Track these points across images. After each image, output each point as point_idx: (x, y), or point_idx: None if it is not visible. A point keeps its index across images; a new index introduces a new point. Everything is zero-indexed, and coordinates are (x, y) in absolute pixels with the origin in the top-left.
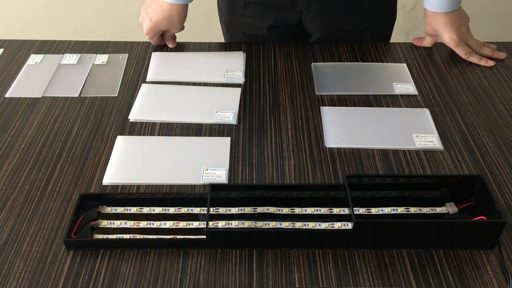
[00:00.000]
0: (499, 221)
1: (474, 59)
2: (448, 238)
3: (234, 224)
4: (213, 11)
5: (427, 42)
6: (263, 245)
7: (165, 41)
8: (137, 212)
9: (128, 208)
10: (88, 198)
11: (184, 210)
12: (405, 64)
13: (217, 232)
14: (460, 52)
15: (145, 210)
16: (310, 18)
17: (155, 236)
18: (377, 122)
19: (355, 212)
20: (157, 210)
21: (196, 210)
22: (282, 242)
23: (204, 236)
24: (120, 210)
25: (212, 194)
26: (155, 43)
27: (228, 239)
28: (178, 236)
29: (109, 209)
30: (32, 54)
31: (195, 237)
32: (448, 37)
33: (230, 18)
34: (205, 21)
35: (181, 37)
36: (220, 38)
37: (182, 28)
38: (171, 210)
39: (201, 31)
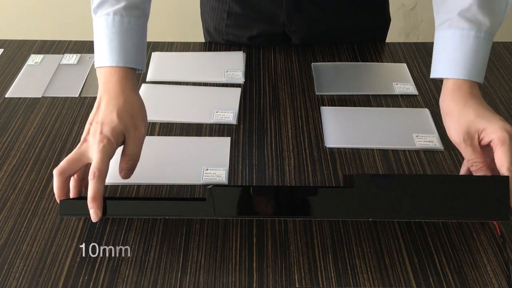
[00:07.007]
0: (500, 176)
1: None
2: (455, 201)
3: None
4: None
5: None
6: (264, 213)
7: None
8: None
9: None
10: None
11: None
12: (405, 64)
13: (217, 190)
14: (467, 154)
15: None
16: (294, 30)
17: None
18: (377, 122)
19: None
20: None
21: None
22: (282, 209)
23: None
24: None
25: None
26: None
27: (229, 202)
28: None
29: None
30: (32, 54)
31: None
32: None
33: (213, 26)
34: None
35: (181, 36)
36: None
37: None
38: None
39: (201, 31)
